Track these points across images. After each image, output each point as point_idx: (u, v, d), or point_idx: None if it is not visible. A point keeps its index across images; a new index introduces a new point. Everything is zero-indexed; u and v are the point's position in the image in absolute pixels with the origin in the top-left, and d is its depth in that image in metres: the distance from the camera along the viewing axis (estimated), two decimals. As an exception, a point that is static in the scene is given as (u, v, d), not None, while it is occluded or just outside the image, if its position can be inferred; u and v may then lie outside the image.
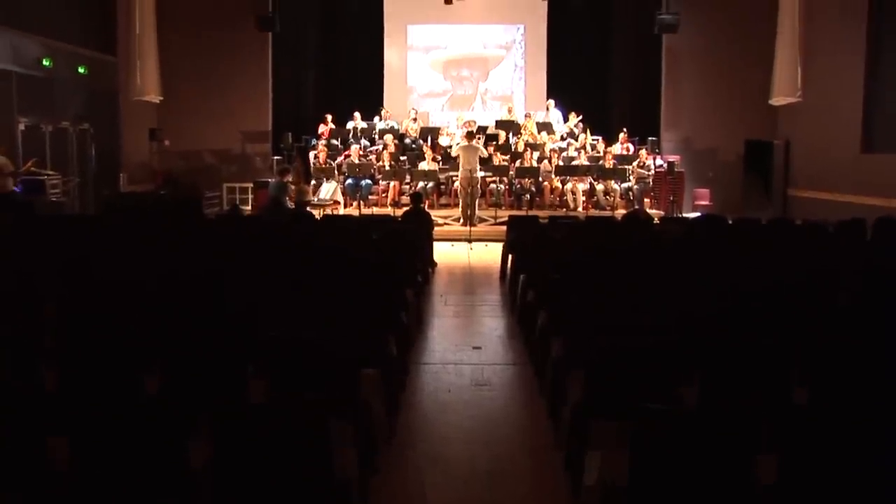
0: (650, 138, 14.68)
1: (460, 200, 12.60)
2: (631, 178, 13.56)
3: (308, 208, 11.51)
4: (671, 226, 8.82)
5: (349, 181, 13.45)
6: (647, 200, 13.73)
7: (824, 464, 2.69)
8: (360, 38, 17.59)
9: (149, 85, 14.33)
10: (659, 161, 14.12)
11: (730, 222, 8.81)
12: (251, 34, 14.66)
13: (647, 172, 13.59)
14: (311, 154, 14.28)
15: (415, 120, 15.65)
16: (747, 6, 14.35)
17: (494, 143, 14.37)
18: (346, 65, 17.61)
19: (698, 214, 12.26)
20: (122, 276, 5.15)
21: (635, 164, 13.67)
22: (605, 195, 13.49)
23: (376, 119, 15.86)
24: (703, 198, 14.29)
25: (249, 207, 13.93)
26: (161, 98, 14.70)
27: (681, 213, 13.13)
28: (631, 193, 13.52)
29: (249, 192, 14.59)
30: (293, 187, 11.38)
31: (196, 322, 4.10)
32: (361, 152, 14.38)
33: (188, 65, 14.96)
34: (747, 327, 4.07)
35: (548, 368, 4.48)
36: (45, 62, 11.51)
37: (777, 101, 13.66)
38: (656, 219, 10.03)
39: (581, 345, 3.80)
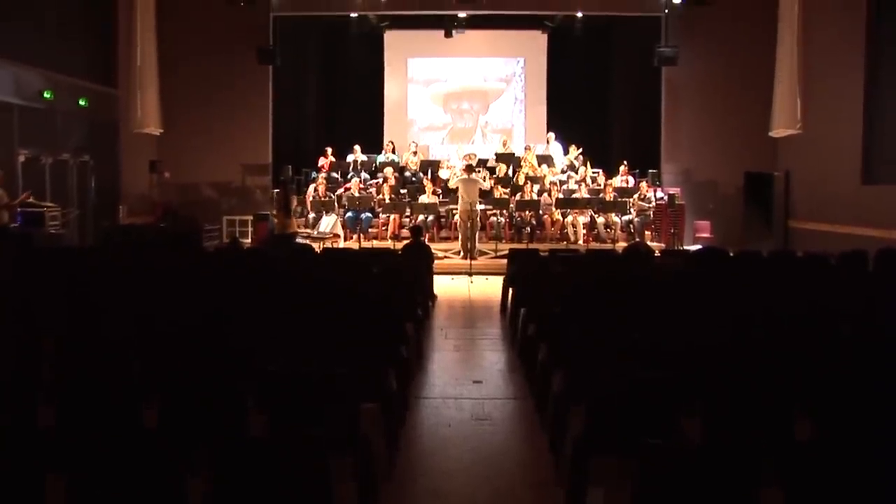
0: (650, 171, 14.78)
1: (460, 233, 12.65)
2: (631, 210, 13.62)
3: (303, 240, 11.56)
4: (672, 258, 8.85)
5: (349, 214, 13.52)
6: (647, 233, 13.78)
7: (830, 498, 2.69)
8: (360, 72, 17.78)
9: (149, 117, 14.42)
10: (659, 193, 14.19)
11: (731, 254, 8.83)
12: (252, 67, 14.80)
13: (647, 205, 13.65)
14: (311, 187, 14.36)
15: (415, 153, 15.77)
16: (746, 38, 14.51)
17: (494, 176, 14.46)
18: (347, 98, 17.79)
19: (699, 247, 12.29)
20: (120, 309, 5.16)
21: (636, 196, 13.75)
22: (605, 228, 13.54)
23: (383, 153, 15.98)
24: (704, 230, 14.33)
25: (249, 240, 13.97)
26: (161, 130, 14.80)
27: (682, 245, 13.17)
28: (632, 226, 13.57)
29: (249, 225, 14.64)
30: (274, 220, 11.37)
31: (195, 355, 4.10)
32: (361, 185, 14.47)
33: (188, 97, 15.09)
34: (749, 360, 4.07)
35: (549, 403, 4.47)
36: (46, 94, 11.61)
37: (777, 132, 13.74)
38: (657, 251, 10.06)
39: (582, 379, 3.80)
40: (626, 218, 13.59)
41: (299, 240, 11.28)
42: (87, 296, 5.73)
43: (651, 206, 13.69)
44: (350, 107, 17.64)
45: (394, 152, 15.71)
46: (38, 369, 3.94)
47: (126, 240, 11.87)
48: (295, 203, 10.55)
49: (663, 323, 4.87)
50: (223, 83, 15.05)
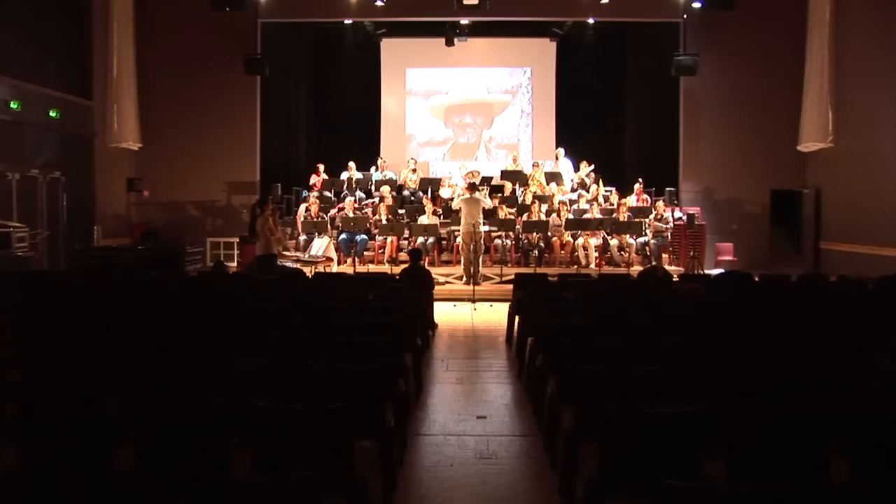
0: (668, 189, 14.83)
1: (463, 257, 12.67)
2: (647, 232, 13.64)
3: (294, 264, 11.55)
4: (692, 284, 8.82)
5: (343, 236, 13.54)
6: (665, 256, 13.79)
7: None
8: (355, 83, 17.91)
9: (126, 131, 14.49)
10: (678, 213, 14.23)
11: (756, 279, 8.82)
12: (238, 78, 14.91)
13: (664, 226, 13.68)
14: (303, 207, 14.40)
15: (414, 170, 15.85)
16: (772, 45, 14.57)
17: (500, 194, 14.51)
18: (340, 111, 17.91)
19: (721, 271, 12.30)
20: (92, 339, 5.15)
21: (652, 216, 13.78)
22: (619, 251, 13.55)
23: (372, 170, 16.04)
24: (727, 253, 14.35)
25: (235, 264, 13.99)
26: (140, 145, 14.88)
27: (702, 269, 13.17)
28: (647, 249, 13.59)
29: (235, 248, 14.69)
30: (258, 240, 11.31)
31: (174, 389, 4.08)
32: (356, 205, 14.51)
33: (169, 110, 15.19)
34: (778, 395, 4.05)
35: (559, 440, 4.44)
36: (13, 105, 11.53)
37: (806, 147, 13.76)
38: (675, 276, 10.05)
39: (595, 415, 3.78)
40: (641, 240, 13.61)
41: (290, 263, 11.27)
42: (57, 324, 5.72)
43: (668, 227, 13.72)
44: (344, 121, 17.75)
45: (386, 170, 15.76)
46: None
47: (101, 263, 11.89)
48: (269, 219, 10.47)
49: (683, 354, 4.85)
50: (207, 95, 15.16)
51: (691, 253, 13.31)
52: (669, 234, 13.76)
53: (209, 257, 14.83)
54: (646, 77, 16.62)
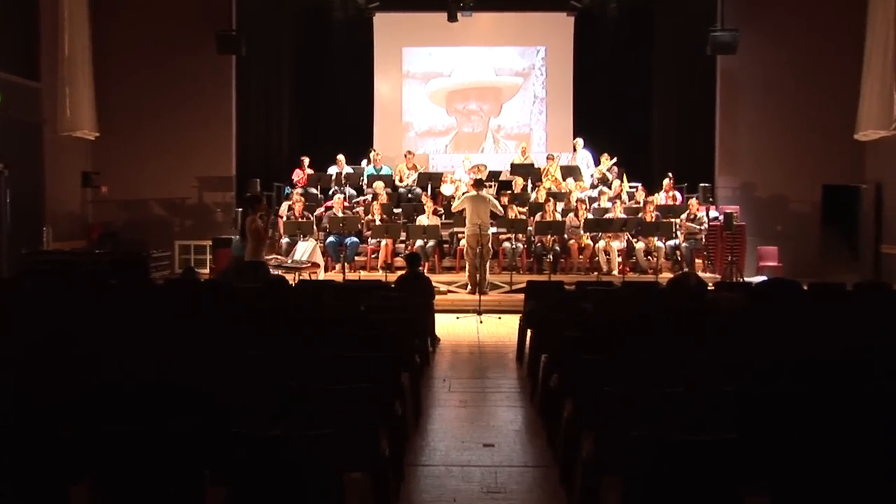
0: (702, 185, 14.80)
1: (467, 263, 12.67)
2: (678, 234, 13.64)
3: (275, 270, 11.55)
4: (729, 293, 8.79)
5: (331, 239, 13.55)
6: (698, 262, 13.79)
7: None
8: (344, 65, 17.93)
9: (81, 118, 14.40)
10: (713, 213, 14.22)
11: (805, 288, 8.80)
12: (210, 58, 14.91)
13: (698, 227, 13.67)
14: (285, 205, 14.42)
15: (413, 167, 15.84)
16: (825, 19, 14.53)
17: (509, 192, 14.52)
18: (328, 97, 17.93)
19: (764, 278, 12.28)
20: (40, 359, 5.14)
21: (683, 216, 13.78)
22: (646, 256, 13.55)
23: (364, 163, 16.06)
24: (770, 258, 14.34)
25: (207, 270, 14.00)
26: (96, 134, 14.87)
27: (741, 277, 13.16)
28: (678, 253, 13.58)
29: (208, 252, 14.70)
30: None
31: (138, 416, 4.08)
32: (346, 203, 14.53)
33: (131, 95, 15.21)
34: (834, 422, 4.03)
35: (577, 472, 4.44)
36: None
37: (865, 135, 13.66)
38: (710, 284, 10.02)
39: (618, 443, 3.77)
40: (671, 243, 13.61)
41: (270, 270, 11.28)
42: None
43: (703, 228, 13.72)
44: (332, 108, 17.78)
45: (373, 163, 15.76)
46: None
47: (51, 270, 11.87)
48: (261, 222, 10.46)
49: (719, 373, 4.84)
50: (175, 78, 15.19)
51: (729, 258, 13.29)
52: (703, 236, 13.75)
53: (178, 263, 14.84)
54: (677, 56, 16.59)
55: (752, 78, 15.03)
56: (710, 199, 14.72)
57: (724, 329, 6.41)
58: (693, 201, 14.04)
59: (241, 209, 10.90)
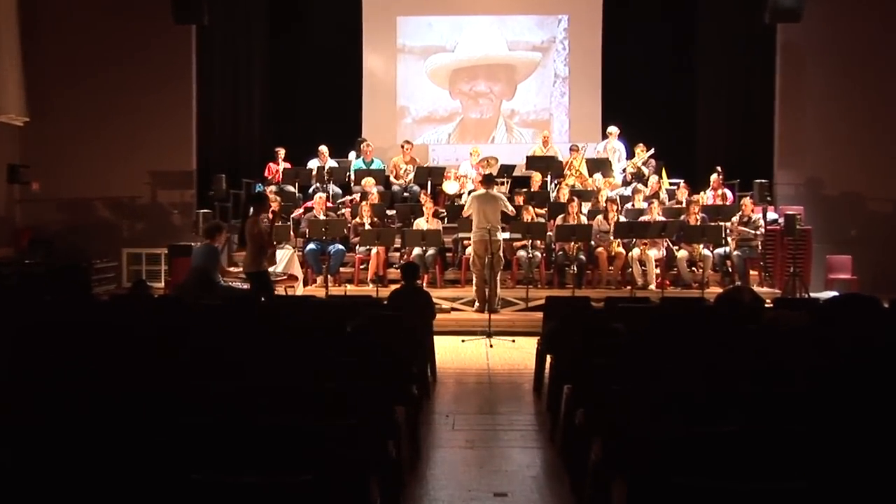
0: (758, 181, 14.78)
1: (474, 275, 12.66)
2: (729, 240, 13.63)
3: (242, 284, 11.56)
4: (792, 312, 8.79)
5: (311, 246, 13.56)
6: (753, 273, 13.78)
7: None
8: (328, 37, 17.98)
9: (7, 100, 14.38)
10: (771, 215, 14.21)
11: (886, 306, 8.77)
12: (165, 28, 14.87)
13: (753, 232, 13.65)
14: (255, 206, 14.45)
15: (410, 161, 15.84)
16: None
17: (525, 190, 14.53)
18: (308, 75, 17.99)
19: (834, 294, 12.26)
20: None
21: (735, 219, 13.77)
22: (689, 266, 13.53)
23: (352, 156, 16.08)
24: (842, 269, 14.32)
25: (162, 284, 14.01)
26: (26, 119, 14.86)
27: (807, 292, 13.15)
28: (729, 264, 13.57)
29: (163, 262, 14.69)
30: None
31: (73, 463, 4.09)
32: (330, 204, 14.54)
33: (68, 73, 15.22)
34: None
35: (607, 527, 4.44)
36: None
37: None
38: (768, 301, 10.01)
39: (656, 492, 3.78)
40: (720, 251, 13.59)
41: (237, 283, 11.29)
42: None
43: (759, 233, 13.70)
44: (313, 89, 17.82)
45: (362, 156, 15.77)
46: None
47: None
48: (265, 225, 10.46)
49: (779, 408, 4.84)
50: (122, 52, 15.20)
51: (791, 269, 13.28)
52: (760, 243, 13.74)
53: (126, 275, 14.84)
54: (728, 26, 16.59)
55: (819, 51, 15.00)
56: (768, 199, 14.69)
57: (786, 354, 6.41)
58: (747, 201, 14.01)
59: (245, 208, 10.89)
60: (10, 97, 14.47)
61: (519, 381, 9.31)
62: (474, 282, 12.71)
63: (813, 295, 12.81)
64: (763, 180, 14.82)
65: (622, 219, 13.73)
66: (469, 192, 13.69)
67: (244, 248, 10.49)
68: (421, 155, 17.01)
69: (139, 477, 3.85)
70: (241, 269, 12.17)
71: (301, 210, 14.59)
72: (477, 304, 12.60)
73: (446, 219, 14.25)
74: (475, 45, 18.05)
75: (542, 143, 16.17)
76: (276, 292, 11.08)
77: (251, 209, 10.38)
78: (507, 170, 15.36)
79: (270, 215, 11.07)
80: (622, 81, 17.48)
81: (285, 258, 13.07)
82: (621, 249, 13.53)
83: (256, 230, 10.09)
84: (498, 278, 12.61)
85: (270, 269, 12.60)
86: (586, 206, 14.17)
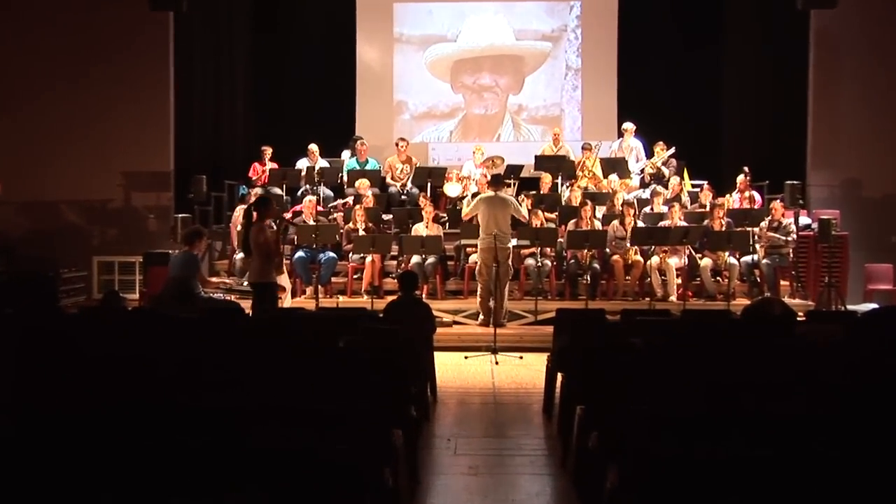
0: (789, 182, 14.77)
1: (480, 286, 12.64)
2: (757, 247, 13.62)
3: (225, 294, 11.56)
4: (827, 326, 8.79)
5: (300, 254, 13.55)
6: (784, 284, 13.77)
7: None
8: (318, 26, 18.01)
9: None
10: (804, 219, 14.20)
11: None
12: (141, 16, 14.86)
13: (783, 238, 13.64)
14: (239, 210, 14.43)
15: (408, 160, 15.84)
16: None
17: (534, 192, 14.54)
18: (297, 67, 17.98)
19: (874, 306, 12.25)
20: None
21: (764, 224, 13.76)
22: (713, 276, 13.52)
23: (345, 155, 16.08)
24: (883, 279, 14.30)
25: (137, 295, 14.00)
26: (-17, 115, 14.87)
27: (843, 304, 13.14)
28: (758, 273, 13.56)
29: (137, 271, 14.68)
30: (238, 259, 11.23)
31: (41, 490, 4.08)
32: (321, 207, 14.54)
33: (33, 63, 15.19)
34: None
35: (624, 561, 4.43)
36: None
37: None
38: (801, 314, 10.00)
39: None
40: (747, 259, 13.58)
41: (219, 294, 11.30)
42: None
43: (790, 239, 13.68)
44: (302, 82, 17.85)
45: (356, 155, 15.77)
46: None
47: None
48: (271, 233, 10.46)
49: (812, 431, 4.84)
50: (93, 41, 15.20)
51: (825, 279, 13.27)
52: (791, 250, 13.72)
53: (97, 285, 14.84)
54: (756, 13, 16.60)
55: (857, 39, 14.99)
56: (800, 202, 14.68)
57: (820, 374, 6.40)
58: (777, 204, 14.01)
59: (244, 214, 10.83)
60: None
61: (527, 402, 9.30)
62: (479, 293, 12.70)
63: (850, 307, 12.80)
64: (795, 181, 14.81)
65: (640, 224, 13.70)
66: (473, 195, 13.66)
67: (248, 257, 10.45)
68: (420, 154, 17.03)
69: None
70: (223, 279, 12.21)
71: (289, 215, 14.57)
72: (482, 317, 12.59)
73: (448, 224, 14.26)
74: (479, 34, 18.05)
75: (552, 142, 16.17)
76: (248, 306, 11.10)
77: (255, 214, 10.36)
78: (513, 170, 15.33)
79: (276, 221, 11.04)
80: (640, 74, 17.46)
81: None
82: (639, 257, 13.52)
83: (262, 237, 10.08)
84: (505, 289, 12.58)
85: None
86: (600, 211, 14.17)
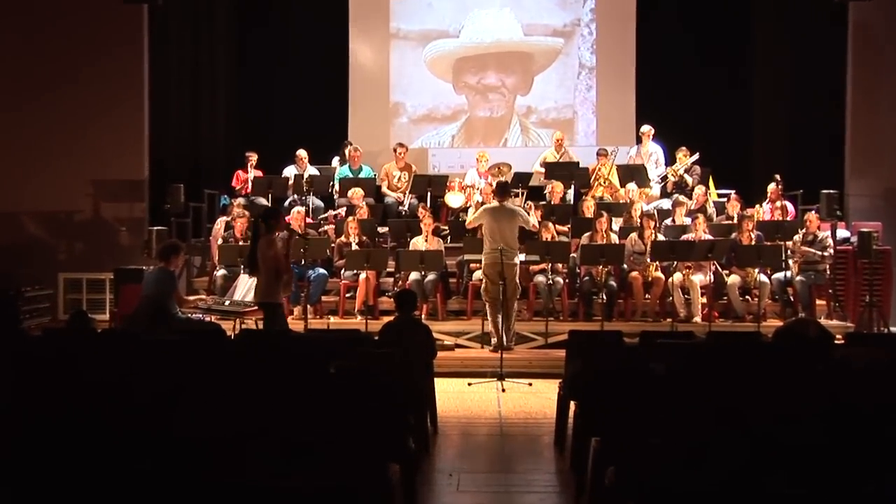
0: (825, 191, 14.75)
1: (488, 306, 12.62)
2: (790, 263, 13.61)
3: (205, 315, 11.57)
4: (868, 349, 8.80)
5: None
6: (820, 303, 13.76)
7: None
8: (307, 19, 18.03)
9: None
10: (843, 232, 14.19)
11: None
12: (112, 8, 14.86)
13: (819, 253, 13.63)
14: (221, 222, 14.46)
15: (406, 167, 15.85)
16: None
17: (543, 203, 14.54)
18: (284, 66, 18.02)
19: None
20: None
21: (798, 237, 13.75)
22: (742, 295, 13.52)
23: (335, 162, 16.09)
24: (930, 298, 14.30)
25: (107, 316, 14.00)
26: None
27: (886, 325, 13.13)
28: (791, 291, 13.55)
29: (107, 289, 14.68)
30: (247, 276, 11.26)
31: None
32: (310, 219, 14.55)
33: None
34: None
35: None
36: None
37: None
38: (839, 337, 10.01)
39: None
40: (780, 277, 13.57)
41: (198, 315, 11.31)
42: None
43: (827, 254, 13.67)
44: (289, 82, 17.86)
45: (349, 162, 15.79)
46: None
47: None
48: (277, 243, 10.46)
49: (852, 466, 4.84)
50: (58, 40, 15.20)
51: (866, 298, 13.26)
52: (828, 266, 13.70)
53: (63, 304, 14.84)
54: (788, 5, 16.62)
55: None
56: (838, 213, 14.66)
57: (860, 402, 6.41)
58: (812, 216, 13.98)
59: (252, 227, 10.86)
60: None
61: (537, 433, 9.30)
62: (488, 313, 12.62)
63: (893, 329, 12.79)
64: (832, 190, 14.80)
65: (661, 237, 13.69)
66: (477, 205, 13.66)
67: (256, 273, 10.46)
68: (419, 161, 17.03)
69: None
70: (200, 297, 12.23)
71: (275, 227, 14.60)
72: (494, 340, 12.45)
73: (449, 237, 14.26)
74: (484, 28, 18.09)
75: (554, 147, 16.17)
76: (253, 327, 11.12)
77: (264, 226, 10.36)
78: (521, 179, 15.34)
79: (286, 234, 11.05)
80: (661, 72, 17.47)
81: (254, 285, 13.04)
82: (660, 274, 13.51)
83: (271, 252, 10.09)
84: (513, 309, 12.60)
85: (237, 298, 12.67)
86: (617, 223, 14.17)
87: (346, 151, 16.02)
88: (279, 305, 10.44)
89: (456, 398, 10.71)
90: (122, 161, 15.43)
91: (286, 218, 14.36)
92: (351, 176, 15.56)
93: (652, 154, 15.89)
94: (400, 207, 15.36)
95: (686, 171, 15.47)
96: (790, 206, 14.62)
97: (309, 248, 13.38)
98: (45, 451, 5.04)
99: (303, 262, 13.42)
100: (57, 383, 6.96)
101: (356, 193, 14.70)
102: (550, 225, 13.91)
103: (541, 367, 11.79)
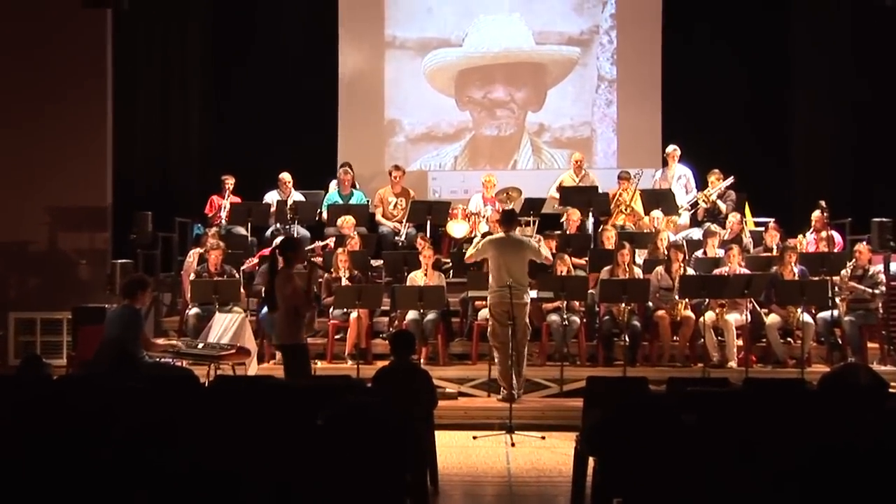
0: (877, 220, 14.72)
1: (496, 350, 12.58)
2: (838, 301, 13.61)
3: (176, 359, 11.57)
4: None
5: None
6: (872, 346, 13.74)
7: None
8: (292, 27, 18.14)
9: None
10: (896, 266, 14.20)
11: None
12: (71, 14, 14.90)
13: (871, 291, 13.62)
14: (194, 254, 14.46)
15: (403, 192, 15.88)
16: None
17: (558, 232, 14.56)
18: (265, 79, 18.07)
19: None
20: None
21: (846, 272, 13.75)
22: (783, 336, 13.50)
23: (333, 185, 16.07)
24: None
25: (64, 361, 13.99)
26: None
27: (947, 371, 13.13)
28: (838, 332, 13.54)
29: (65, 331, 14.67)
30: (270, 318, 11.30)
31: None
32: (293, 251, 14.58)
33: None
34: None
35: None
36: None
37: None
38: (894, 383, 10.00)
39: None
40: (826, 316, 13.56)
41: (167, 358, 11.31)
42: None
43: (879, 291, 13.66)
44: (272, 96, 17.90)
45: (339, 187, 15.81)
46: None
47: None
48: (294, 277, 10.47)
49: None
50: (11, 50, 15.26)
51: (924, 341, 13.28)
52: (881, 304, 13.72)
53: (14, 348, 14.84)
54: (833, 11, 16.68)
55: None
56: (892, 244, 14.65)
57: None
58: (862, 247, 13.97)
59: (269, 259, 10.89)
60: None
61: (552, 493, 9.30)
62: (497, 359, 12.55)
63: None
64: (884, 219, 14.76)
65: (690, 271, 13.73)
66: (482, 235, 13.66)
67: (274, 311, 10.48)
68: (418, 185, 17.06)
69: None
70: (170, 341, 12.23)
71: (255, 260, 14.58)
72: (503, 391, 12.38)
73: (452, 272, 14.27)
74: (491, 36, 18.15)
75: (573, 170, 16.18)
76: (230, 373, 11.12)
77: (282, 259, 10.39)
78: (533, 205, 15.33)
79: (308, 264, 11.08)
80: (690, 85, 17.53)
81: (233, 325, 13.06)
82: (689, 313, 13.52)
83: (290, 288, 10.12)
84: (523, 353, 12.57)
85: (211, 340, 12.67)
86: (641, 255, 14.19)
87: (340, 176, 15.97)
88: (301, 346, 10.44)
89: (459, 453, 10.70)
90: (82, 186, 15.44)
91: (267, 250, 14.41)
92: (340, 202, 15.57)
93: (680, 177, 15.90)
94: (396, 238, 15.38)
95: (719, 196, 15.49)
96: (837, 237, 14.64)
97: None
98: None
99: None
100: (3, 438, 6.95)
101: (347, 222, 14.70)
102: (566, 257, 13.89)
103: (555, 419, 11.80)
